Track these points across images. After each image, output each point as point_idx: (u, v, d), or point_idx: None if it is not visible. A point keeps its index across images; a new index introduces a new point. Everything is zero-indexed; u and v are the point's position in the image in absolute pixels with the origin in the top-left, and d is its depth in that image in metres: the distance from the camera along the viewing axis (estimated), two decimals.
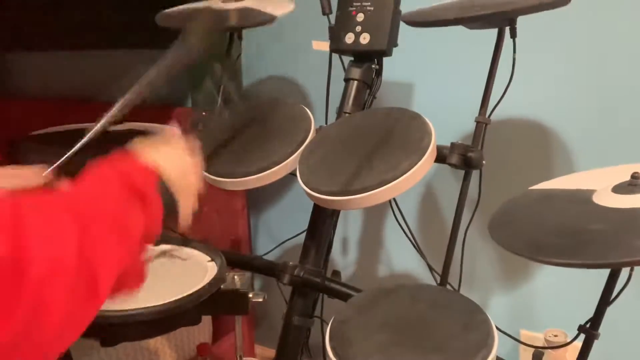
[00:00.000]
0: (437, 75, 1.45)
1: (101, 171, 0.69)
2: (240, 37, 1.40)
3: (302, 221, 1.22)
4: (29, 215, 0.53)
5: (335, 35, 1.22)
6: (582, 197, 0.83)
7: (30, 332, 0.50)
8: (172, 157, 0.78)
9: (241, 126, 1.26)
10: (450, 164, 1.04)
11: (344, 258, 1.67)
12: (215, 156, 1.19)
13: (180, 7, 1.36)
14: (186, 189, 0.79)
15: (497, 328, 0.86)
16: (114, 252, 0.61)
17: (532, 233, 0.81)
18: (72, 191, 0.66)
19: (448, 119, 1.23)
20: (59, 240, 0.54)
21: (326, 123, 1.32)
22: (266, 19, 1.22)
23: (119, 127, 1.45)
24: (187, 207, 0.79)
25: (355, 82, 1.21)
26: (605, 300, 0.87)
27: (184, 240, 1.14)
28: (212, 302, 0.99)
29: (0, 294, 0.48)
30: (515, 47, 1.03)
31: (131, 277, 0.67)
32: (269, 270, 1.23)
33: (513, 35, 1.02)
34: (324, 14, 1.26)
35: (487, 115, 1.05)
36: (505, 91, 1.05)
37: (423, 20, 1.09)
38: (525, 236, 0.81)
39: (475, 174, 1.07)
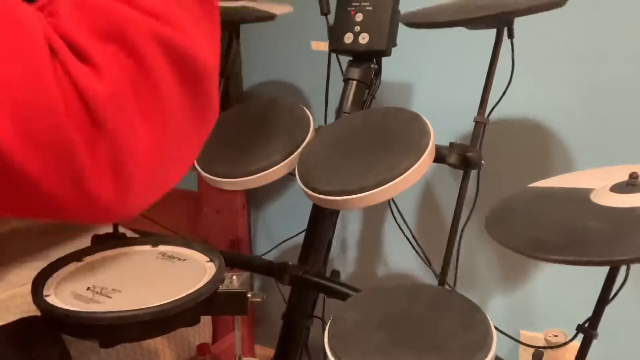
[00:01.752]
0: (436, 76, 1.45)
1: None
2: (237, 36, 1.40)
3: (302, 221, 1.23)
4: None
5: (334, 35, 1.22)
6: (580, 196, 0.83)
7: None
8: None
9: (241, 126, 1.26)
10: (449, 164, 1.04)
11: (343, 258, 1.67)
12: (215, 156, 1.19)
13: None
14: None
15: (497, 328, 0.86)
16: None
17: (530, 230, 0.81)
18: None
19: (447, 119, 1.23)
20: None
21: (325, 123, 1.32)
22: (265, 15, 1.23)
23: None
24: None
25: (354, 82, 1.21)
26: (604, 299, 0.87)
27: (183, 241, 1.14)
28: (211, 303, 0.99)
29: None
30: (513, 48, 1.03)
31: None
32: (268, 270, 1.23)
33: (510, 35, 1.02)
34: (322, 14, 1.26)
35: (485, 115, 1.05)
36: (504, 92, 1.05)
37: (421, 22, 1.09)
38: (523, 233, 0.81)
39: (474, 173, 1.07)
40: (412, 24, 1.11)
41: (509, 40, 1.03)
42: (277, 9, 1.25)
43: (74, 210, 0.44)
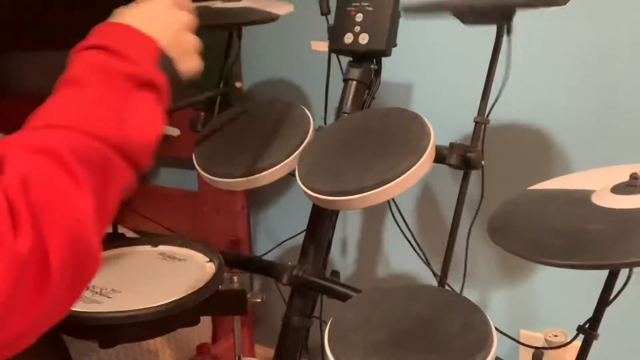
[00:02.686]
0: (436, 76, 1.45)
1: (91, 62, 0.59)
2: (239, 36, 1.40)
3: (302, 221, 1.22)
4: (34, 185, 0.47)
5: (334, 36, 1.22)
6: (581, 198, 0.83)
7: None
8: (160, 17, 0.66)
9: (241, 126, 1.26)
10: (449, 165, 1.03)
11: (343, 258, 1.67)
12: (215, 156, 1.19)
13: None
14: (185, 50, 0.68)
15: (497, 328, 0.86)
16: (123, 176, 0.56)
17: (530, 233, 0.81)
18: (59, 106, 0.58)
19: (447, 120, 1.23)
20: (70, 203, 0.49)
21: (325, 123, 1.32)
22: (268, 17, 1.22)
23: None
24: (190, 68, 0.69)
25: (354, 82, 1.20)
26: (604, 300, 0.87)
27: (183, 241, 1.15)
28: (211, 303, 0.99)
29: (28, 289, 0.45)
30: (510, 44, 1.02)
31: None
32: (268, 270, 1.23)
33: (509, 32, 1.01)
34: (322, 14, 1.25)
35: (485, 115, 1.05)
36: (500, 91, 1.05)
37: (416, 7, 1.08)
38: (523, 237, 0.81)
39: (476, 174, 1.07)
40: (407, 9, 1.11)
41: (507, 37, 1.03)
42: (280, 10, 1.24)
43: None
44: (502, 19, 1.01)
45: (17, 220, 0.45)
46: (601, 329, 0.89)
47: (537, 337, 1.38)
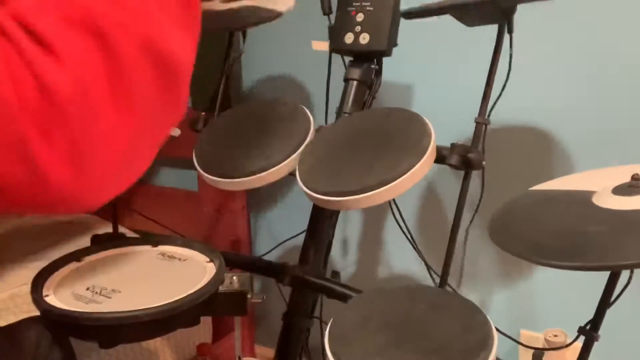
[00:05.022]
0: (437, 76, 1.45)
1: None
2: (244, 36, 1.40)
3: (302, 221, 1.22)
4: None
5: (335, 35, 1.22)
6: (582, 199, 0.83)
7: None
8: None
9: (241, 126, 1.26)
10: (450, 165, 1.03)
11: (343, 259, 1.67)
12: (215, 156, 1.19)
13: None
14: None
15: (497, 329, 0.86)
16: None
17: (531, 234, 0.81)
18: None
19: (448, 120, 1.23)
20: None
21: (326, 123, 1.32)
22: (271, 15, 1.22)
23: None
24: None
25: (355, 82, 1.20)
26: (605, 302, 0.87)
27: (183, 241, 1.14)
28: (211, 303, 0.99)
29: None
30: (512, 43, 1.02)
31: None
32: (269, 270, 1.23)
33: (510, 30, 1.01)
34: (324, 14, 1.25)
35: (486, 115, 1.05)
36: (502, 89, 1.04)
37: (415, 11, 1.08)
38: (524, 238, 0.81)
39: (476, 174, 1.07)
40: (407, 14, 1.11)
41: (508, 35, 1.02)
42: (281, 6, 1.24)
43: (32, 201, 0.43)
44: (502, 18, 1.00)
45: (51, 49, 0.39)
46: (601, 330, 0.89)
47: (537, 337, 1.38)
